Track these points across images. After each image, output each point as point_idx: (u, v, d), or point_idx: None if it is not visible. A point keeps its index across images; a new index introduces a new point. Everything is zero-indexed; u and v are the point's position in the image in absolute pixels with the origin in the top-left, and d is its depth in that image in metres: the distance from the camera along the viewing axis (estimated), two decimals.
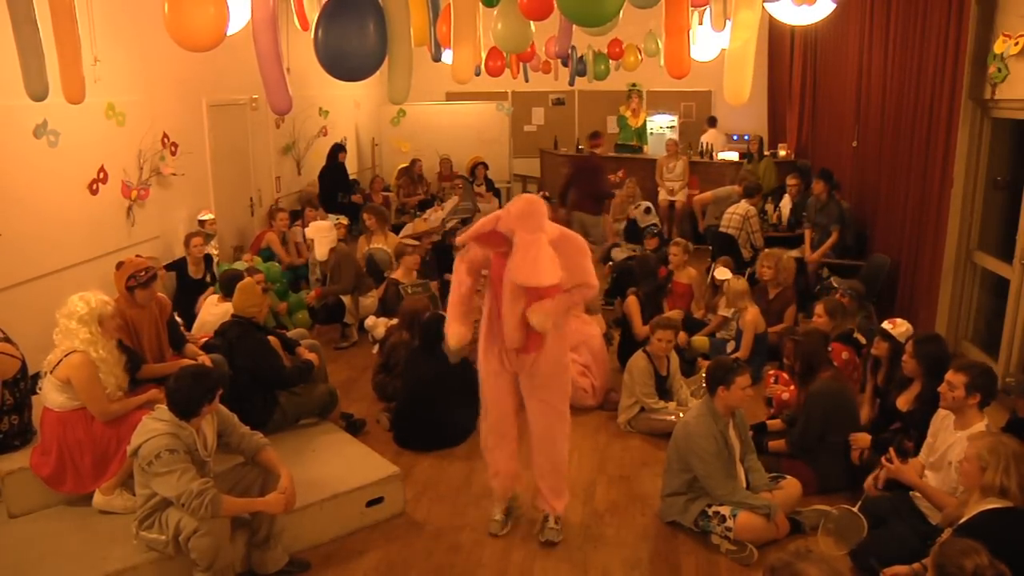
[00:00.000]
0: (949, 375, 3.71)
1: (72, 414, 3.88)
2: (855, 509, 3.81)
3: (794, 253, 7.68)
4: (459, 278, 3.94)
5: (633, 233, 9.43)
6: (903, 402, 4.38)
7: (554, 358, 3.92)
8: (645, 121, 12.10)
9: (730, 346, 6.14)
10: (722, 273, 6.52)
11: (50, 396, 3.90)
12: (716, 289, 6.73)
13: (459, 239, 4.01)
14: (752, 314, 6.04)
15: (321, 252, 7.04)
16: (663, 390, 5.35)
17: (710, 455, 3.97)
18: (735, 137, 11.91)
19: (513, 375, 4.00)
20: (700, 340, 6.35)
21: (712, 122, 11.93)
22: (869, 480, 3.92)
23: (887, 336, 4.68)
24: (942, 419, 3.82)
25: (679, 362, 5.58)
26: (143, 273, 4.31)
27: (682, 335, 6.00)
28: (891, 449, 3.81)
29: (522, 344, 3.78)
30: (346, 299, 6.98)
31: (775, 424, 4.82)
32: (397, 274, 7.03)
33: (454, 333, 3.90)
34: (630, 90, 11.94)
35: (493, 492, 4.24)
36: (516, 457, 4.18)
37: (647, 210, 9.54)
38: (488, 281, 3.95)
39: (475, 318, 4.05)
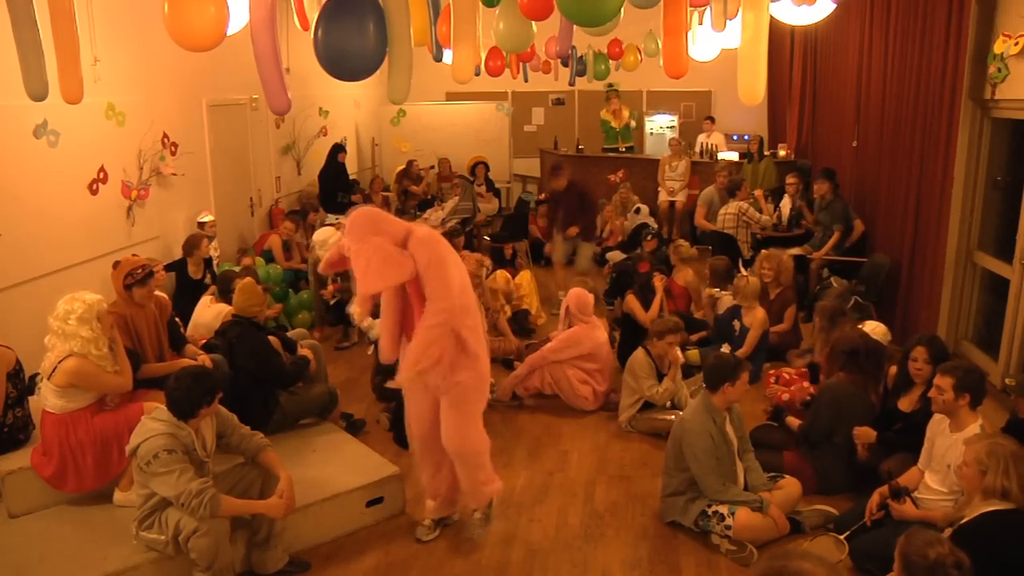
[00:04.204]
0: (936, 379, 3.71)
1: (71, 416, 3.88)
2: (842, 538, 3.78)
3: (795, 251, 7.67)
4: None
5: (630, 236, 9.42)
6: (906, 403, 4.39)
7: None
8: (628, 121, 11.78)
9: (725, 347, 6.13)
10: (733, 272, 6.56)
11: (49, 400, 3.89)
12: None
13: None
14: (761, 313, 6.08)
15: None
16: None
17: (703, 452, 3.98)
18: (735, 137, 11.90)
19: (431, 392, 3.82)
20: (692, 353, 6.35)
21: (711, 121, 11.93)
22: (872, 508, 3.83)
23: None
24: (937, 423, 3.83)
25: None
26: (139, 271, 4.33)
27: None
28: (888, 501, 3.76)
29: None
30: None
31: (792, 421, 4.78)
32: None
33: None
34: (608, 91, 11.64)
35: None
36: (442, 481, 4.04)
37: (636, 210, 9.54)
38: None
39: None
